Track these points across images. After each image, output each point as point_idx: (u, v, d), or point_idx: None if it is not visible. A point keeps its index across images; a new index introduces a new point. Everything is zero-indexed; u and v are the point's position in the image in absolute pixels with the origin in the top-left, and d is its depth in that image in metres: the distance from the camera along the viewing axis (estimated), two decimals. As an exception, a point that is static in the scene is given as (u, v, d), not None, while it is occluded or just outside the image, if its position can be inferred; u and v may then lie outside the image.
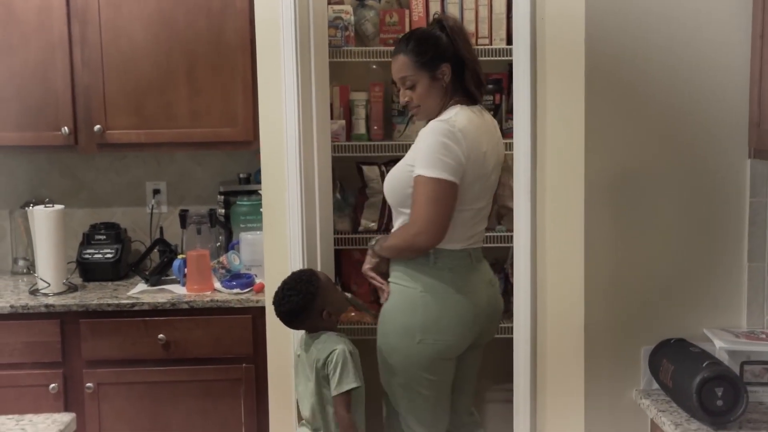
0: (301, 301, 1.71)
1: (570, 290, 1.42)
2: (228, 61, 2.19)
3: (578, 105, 1.35)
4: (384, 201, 2.38)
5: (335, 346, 1.70)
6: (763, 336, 1.33)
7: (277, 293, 1.76)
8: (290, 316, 1.74)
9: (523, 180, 1.54)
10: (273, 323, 1.98)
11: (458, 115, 1.72)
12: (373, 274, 1.82)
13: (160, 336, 2.09)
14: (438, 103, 1.74)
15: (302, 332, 1.82)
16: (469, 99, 1.77)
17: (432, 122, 1.71)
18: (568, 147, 1.40)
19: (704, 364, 1.25)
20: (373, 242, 1.83)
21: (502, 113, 2.40)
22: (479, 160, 1.71)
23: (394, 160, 2.43)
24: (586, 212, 1.35)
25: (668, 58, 1.33)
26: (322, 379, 1.71)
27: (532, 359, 1.54)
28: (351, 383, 1.66)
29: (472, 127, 1.71)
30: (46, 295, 2.13)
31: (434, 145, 1.66)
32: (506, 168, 2.04)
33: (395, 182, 1.77)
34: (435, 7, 2.34)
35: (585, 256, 1.36)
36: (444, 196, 1.65)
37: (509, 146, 2.39)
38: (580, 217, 1.36)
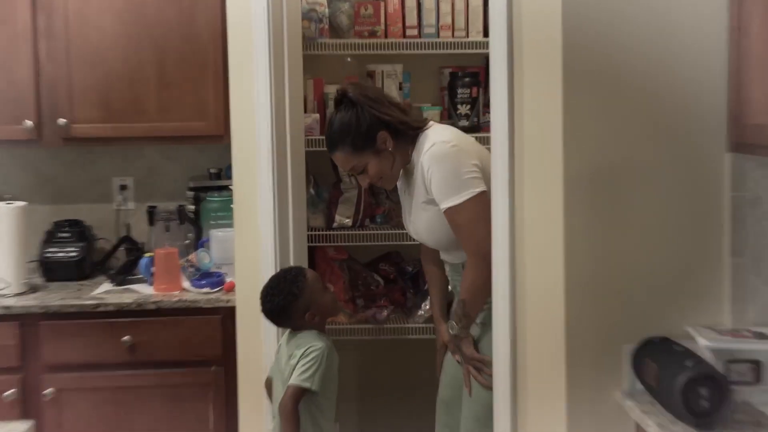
0: (281, 301, 1.69)
1: (550, 289, 1.39)
2: (199, 53, 2.16)
3: (556, 99, 1.33)
4: (359, 196, 2.37)
5: (315, 343, 1.67)
6: (747, 333, 1.30)
7: (262, 291, 1.74)
8: (271, 316, 1.73)
9: (500, 176, 1.51)
10: (244, 324, 1.95)
11: (438, 134, 1.70)
12: (477, 356, 1.69)
13: (126, 338, 2.05)
14: (397, 163, 1.73)
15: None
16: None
17: (425, 155, 1.67)
18: (546, 142, 1.37)
19: (688, 363, 1.22)
20: (454, 328, 1.69)
21: (479, 107, 2.39)
22: (485, 157, 1.69)
23: None
24: (566, 208, 1.32)
25: (646, 51, 1.32)
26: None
27: (512, 361, 1.51)
28: (310, 383, 1.62)
29: (456, 135, 1.73)
30: (4, 296, 2.07)
31: (446, 170, 1.64)
32: None
33: (436, 227, 1.72)
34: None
35: (565, 254, 1.33)
36: (484, 208, 1.61)
37: (486, 140, 2.38)
38: (559, 213, 1.33)
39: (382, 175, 1.72)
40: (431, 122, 1.76)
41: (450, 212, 1.65)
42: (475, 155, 1.68)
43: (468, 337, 1.70)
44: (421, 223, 1.75)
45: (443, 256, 1.82)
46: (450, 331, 1.71)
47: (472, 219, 1.63)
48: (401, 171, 1.78)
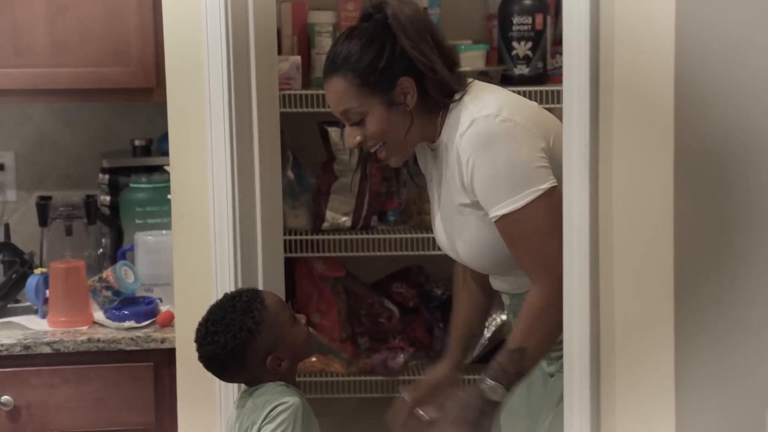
0: (230, 341, 1.70)
1: (651, 316, 1.44)
2: None
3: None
4: (363, 181, 2.38)
5: (284, 399, 1.69)
6: None
7: (199, 329, 1.75)
8: (214, 365, 1.74)
9: (575, 150, 1.52)
10: (188, 374, 1.96)
11: (480, 103, 1.70)
12: None
13: (5, 398, 2.06)
14: (413, 133, 1.74)
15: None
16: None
17: (462, 138, 1.68)
18: (647, 100, 1.43)
19: None
20: (495, 390, 1.69)
21: (546, 45, 2.42)
22: (556, 132, 1.70)
23: None
24: (677, 194, 1.38)
25: None
26: None
27: (593, 408, 1.55)
28: None
29: (508, 100, 1.74)
30: None
31: (499, 159, 1.66)
32: None
33: (481, 241, 1.74)
34: None
35: (675, 263, 1.39)
36: (555, 213, 1.61)
37: (556, 96, 2.38)
38: (669, 202, 1.38)
39: (384, 137, 1.72)
40: (472, 82, 1.77)
41: (504, 222, 1.67)
42: (540, 133, 1.69)
43: (495, 411, 1.70)
44: (457, 234, 1.77)
45: (496, 282, 1.84)
46: (490, 395, 1.69)
47: (538, 230, 1.65)
48: (426, 151, 1.80)
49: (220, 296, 1.86)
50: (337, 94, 1.71)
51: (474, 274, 1.89)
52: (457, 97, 1.71)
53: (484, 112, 1.66)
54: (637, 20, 1.46)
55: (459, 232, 1.76)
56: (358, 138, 1.72)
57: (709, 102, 1.38)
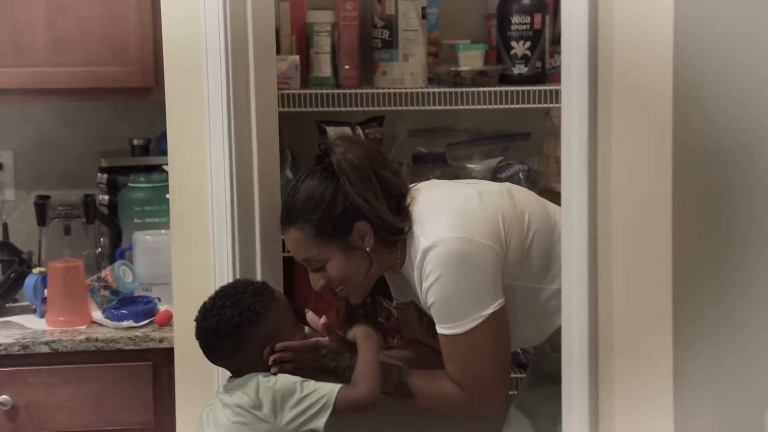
0: (237, 317, 1.69)
1: (651, 317, 1.45)
2: None
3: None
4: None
5: (282, 380, 1.68)
6: None
7: (205, 303, 1.75)
8: (214, 339, 1.71)
9: (575, 150, 1.53)
10: (186, 373, 1.97)
11: (433, 219, 1.75)
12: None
13: (3, 398, 2.06)
14: (373, 271, 1.80)
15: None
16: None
17: (425, 257, 1.73)
18: (645, 102, 1.44)
19: None
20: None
21: (545, 44, 2.42)
22: (514, 221, 1.77)
23: (377, 119, 2.46)
24: (675, 196, 1.38)
25: None
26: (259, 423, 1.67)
27: (592, 408, 1.55)
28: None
29: (460, 209, 1.77)
30: None
31: (457, 285, 1.71)
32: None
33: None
34: None
35: (674, 269, 1.39)
36: (495, 334, 1.74)
37: (555, 96, 2.37)
38: (667, 204, 1.39)
39: (346, 280, 1.79)
40: (415, 187, 1.82)
41: (445, 340, 1.75)
42: (493, 238, 1.72)
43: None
44: None
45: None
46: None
47: (474, 352, 1.73)
48: (394, 274, 1.86)
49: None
50: (296, 243, 1.79)
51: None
52: (406, 229, 1.76)
53: (440, 234, 1.71)
54: (635, 20, 1.46)
55: None
56: (321, 282, 1.80)
57: (707, 102, 1.39)
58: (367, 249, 1.76)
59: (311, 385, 1.67)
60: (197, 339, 1.74)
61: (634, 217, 1.51)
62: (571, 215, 1.57)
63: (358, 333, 1.76)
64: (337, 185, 1.75)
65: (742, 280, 1.41)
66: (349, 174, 1.74)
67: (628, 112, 1.50)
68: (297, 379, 1.68)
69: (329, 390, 1.66)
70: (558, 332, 1.70)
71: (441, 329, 1.74)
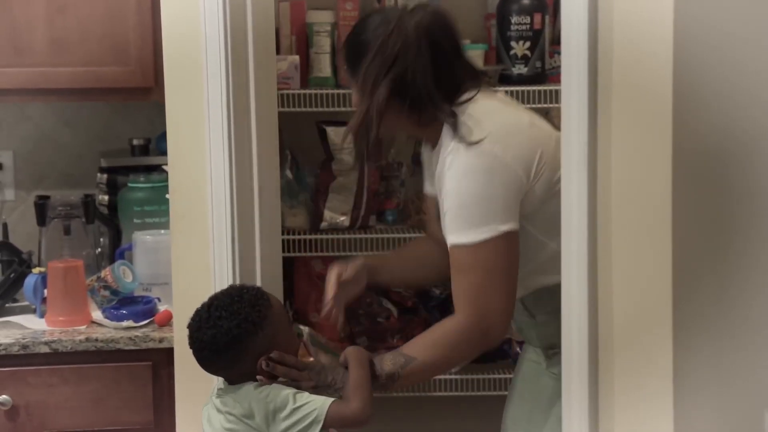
0: (235, 329, 1.68)
1: (651, 319, 1.45)
2: None
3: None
4: (361, 181, 2.40)
5: (275, 391, 1.68)
6: None
7: (199, 312, 1.72)
8: (211, 351, 1.70)
9: (574, 151, 1.54)
10: (186, 373, 1.96)
11: (478, 120, 1.72)
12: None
13: (3, 398, 2.06)
14: (400, 130, 1.85)
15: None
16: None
17: (447, 156, 1.72)
18: (645, 105, 1.44)
19: None
20: (385, 366, 1.73)
21: (544, 44, 2.42)
22: (550, 161, 1.73)
23: None
24: (675, 193, 1.39)
25: None
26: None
27: (592, 409, 1.56)
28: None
29: (505, 122, 1.75)
30: None
31: (467, 193, 1.69)
32: None
33: None
34: None
35: (674, 265, 1.39)
36: (504, 258, 1.69)
37: (554, 96, 2.37)
38: (667, 202, 1.39)
39: (364, 121, 1.76)
40: (474, 96, 1.77)
41: (455, 251, 1.70)
42: (521, 164, 1.71)
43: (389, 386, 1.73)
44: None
45: None
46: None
47: (484, 267, 1.68)
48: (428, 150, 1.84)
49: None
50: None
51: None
52: (443, 117, 1.73)
53: (468, 139, 1.69)
54: (635, 20, 1.47)
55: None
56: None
57: (707, 102, 1.39)
58: (379, 106, 1.72)
59: (304, 397, 1.66)
60: (192, 348, 1.72)
61: (634, 217, 1.51)
62: (570, 215, 1.57)
63: (349, 353, 1.74)
64: (389, 32, 1.72)
65: (741, 280, 1.42)
66: (417, 39, 1.72)
67: (627, 112, 1.50)
68: (290, 390, 1.68)
69: (321, 404, 1.65)
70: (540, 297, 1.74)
71: (453, 239, 1.70)
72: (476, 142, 1.68)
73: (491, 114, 1.76)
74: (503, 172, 1.69)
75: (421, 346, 1.73)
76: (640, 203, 1.48)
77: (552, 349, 1.83)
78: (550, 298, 1.72)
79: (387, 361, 1.72)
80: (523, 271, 1.75)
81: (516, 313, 1.81)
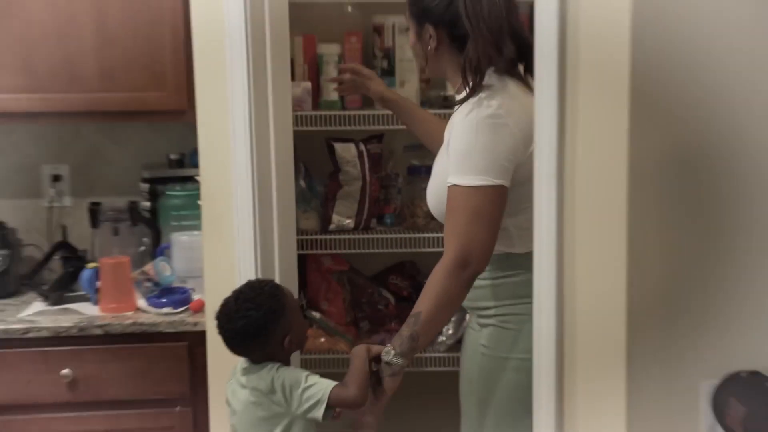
0: (262, 318, 1.70)
1: (607, 307, 1.41)
2: None
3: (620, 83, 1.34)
4: (364, 190, 2.41)
5: (291, 372, 1.71)
6: None
7: (227, 305, 1.74)
8: (243, 338, 1.72)
9: (546, 164, 1.52)
10: (216, 352, 1.98)
11: (496, 94, 1.71)
12: (381, 408, 1.74)
13: (65, 372, 2.09)
14: (441, 67, 1.79)
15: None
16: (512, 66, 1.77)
17: (464, 107, 1.72)
18: (605, 119, 1.40)
19: None
20: (388, 353, 1.70)
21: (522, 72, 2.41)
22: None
23: (377, 136, 2.49)
24: (630, 208, 1.35)
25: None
26: (273, 405, 1.70)
27: (558, 396, 1.54)
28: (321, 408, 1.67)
29: (514, 102, 1.72)
30: None
31: (472, 141, 1.67)
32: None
33: (439, 197, 1.77)
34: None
35: (628, 263, 1.35)
36: (492, 208, 1.66)
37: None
38: (622, 213, 1.36)
39: (416, 52, 1.83)
40: (507, 77, 1.75)
41: (453, 190, 1.67)
42: (524, 137, 1.69)
43: (399, 375, 1.70)
44: (432, 189, 1.80)
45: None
46: (383, 357, 1.69)
47: (473, 210, 1.65)
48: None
49: (243, 287, 1.88)
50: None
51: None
52: (471, 83, 1.71)
53: (486, 103, 1.69)
54: (597, 24, 1.40)
55: (433, 175, 1.81)
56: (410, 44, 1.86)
57: (665, 110, 1.31)
58: (432, 50, 1.75)
59: (314, 378, 1.69)
60: (223, 336, 1.73)
61: (594, 235, 1.42)
62: (541, 225, 1.52)
63: (353, 350, 1.78)
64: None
65: (697, 291, 1.34)
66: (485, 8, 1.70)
67: (592, 108, 1.41)
68: (304, 372, 1.71)
69: (325, 386, 1.68)
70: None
71: (453, 179, 1.68)
72: (492, 105, 1.67)
73: (510, 89, 1.73)
74: (507, 137, 1.67)
75: (421, 300, 1.69)
76: (600, 213, 1.42)
77: (482, 317, 1.81)
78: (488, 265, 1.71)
79: (402, 329, 1.70)
80: (502, 232, 1.72)
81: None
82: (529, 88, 1.75)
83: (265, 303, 1.70)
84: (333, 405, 1.69)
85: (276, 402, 1.69)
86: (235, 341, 1.73)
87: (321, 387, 1.68)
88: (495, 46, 1.71)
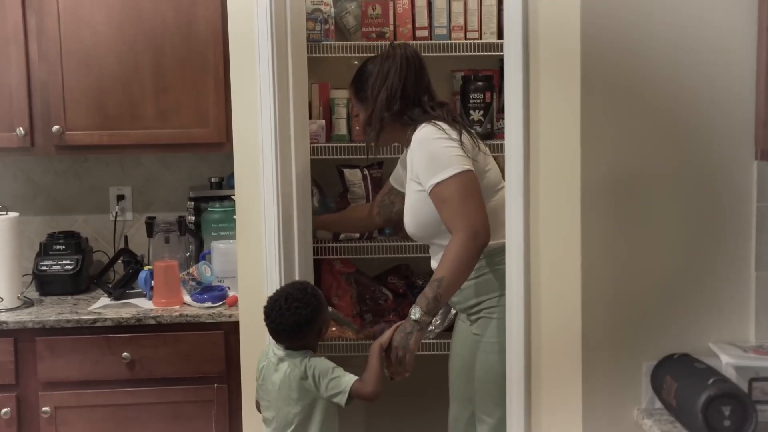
0: (309, 314, 1.70)
1: (566, 302, 1.41)
2: (198, 55, 2.20)
3: (573, 105, 1.33)
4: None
5: (322, 362, 1.71)
6: (772, 350, 1.32)
7: (277, 303, 1.72)
8: (291, 330, 1.71)
9: (514, 183, 1.54)
10: (247, 339, 1.99)
11: (432, 123, 1.78)
12: (412, 362, 1.71)
13: (125, 354, 2.08)
14: (385, 135, 1.85)
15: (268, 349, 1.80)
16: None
17: (414, 136, 1.76)
18: (563, 148, 1.39)
19: (710, 381, 1.24)
20: (416, 312, 1.68)
21: (493, 112, 2.42)
22: (494, 169, 1.79)
23: (378, 163, 2.48)
24: (583, 217, 1.34)
25: (669, 53, 1.31)
26: (304, 391, 1.70)
27: (526, 376, 1.55)
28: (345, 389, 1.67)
29: (450, 126, 1.79)
30: (-1, 311, 2.13)
31: (431, 150, 1.71)
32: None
33: (419, 212, 1.78)
34: (421, -3, 2.34)
35: (582, 265, 1.35)
36: (472, 186, 1.68)
37: (500, 148, 2.41)
38: (577, 222, 1.35)
39: (370, 124, 1.85)
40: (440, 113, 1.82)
41: (435, 190, 1.68)
42: (463, 143, 1.74)
43: (424, 330, 1.68)
44: (411, 209, 1.81)
45: (432, 252, 1.85)
46: (412, 315, 1.68)
47: (458, 195, 1.66)
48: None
49: (269, 286, 1.89)
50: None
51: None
52: (407, 124, 1.80)
53: (430, 125, 1.76)
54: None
55: (407, 204, 1.82)
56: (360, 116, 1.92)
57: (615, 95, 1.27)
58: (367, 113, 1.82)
59: (339, 371, 1.69)
60: (272, 329, 1.71)
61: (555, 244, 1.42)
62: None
63: (370, 349, 1.76)
64: (383, 65, 1.81)
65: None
66: (401, 65, 1.80)
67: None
68: (331, 364, 1.70)
69: (348, 380, 1.68)
70: None
71: (431, 182, 1.69)
72: (431, 125, 1.73)
73: (443, 123, 1.79)
74: (452, 139, 1.72)
75: (443, 268, 1.68)
76: (558, 220, 1.42)
77: (471, 314, 1.80)
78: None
79: (426, 291, 1.68)
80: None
81: None
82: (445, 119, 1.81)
83: (311, 302, 1.71)
84: (353, 396, 1.68)
85: (307, 387, 1.69)
86: (284, 334, 1.73)
87: (345, 381, 1.68)
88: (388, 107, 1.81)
